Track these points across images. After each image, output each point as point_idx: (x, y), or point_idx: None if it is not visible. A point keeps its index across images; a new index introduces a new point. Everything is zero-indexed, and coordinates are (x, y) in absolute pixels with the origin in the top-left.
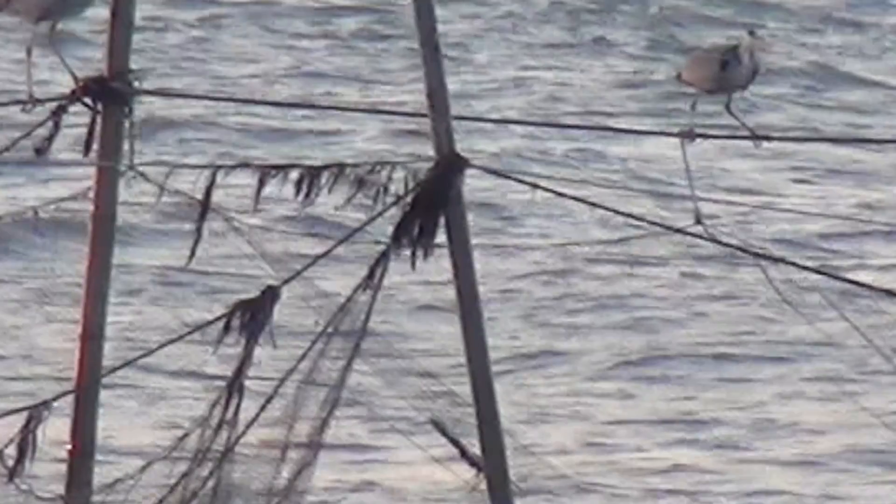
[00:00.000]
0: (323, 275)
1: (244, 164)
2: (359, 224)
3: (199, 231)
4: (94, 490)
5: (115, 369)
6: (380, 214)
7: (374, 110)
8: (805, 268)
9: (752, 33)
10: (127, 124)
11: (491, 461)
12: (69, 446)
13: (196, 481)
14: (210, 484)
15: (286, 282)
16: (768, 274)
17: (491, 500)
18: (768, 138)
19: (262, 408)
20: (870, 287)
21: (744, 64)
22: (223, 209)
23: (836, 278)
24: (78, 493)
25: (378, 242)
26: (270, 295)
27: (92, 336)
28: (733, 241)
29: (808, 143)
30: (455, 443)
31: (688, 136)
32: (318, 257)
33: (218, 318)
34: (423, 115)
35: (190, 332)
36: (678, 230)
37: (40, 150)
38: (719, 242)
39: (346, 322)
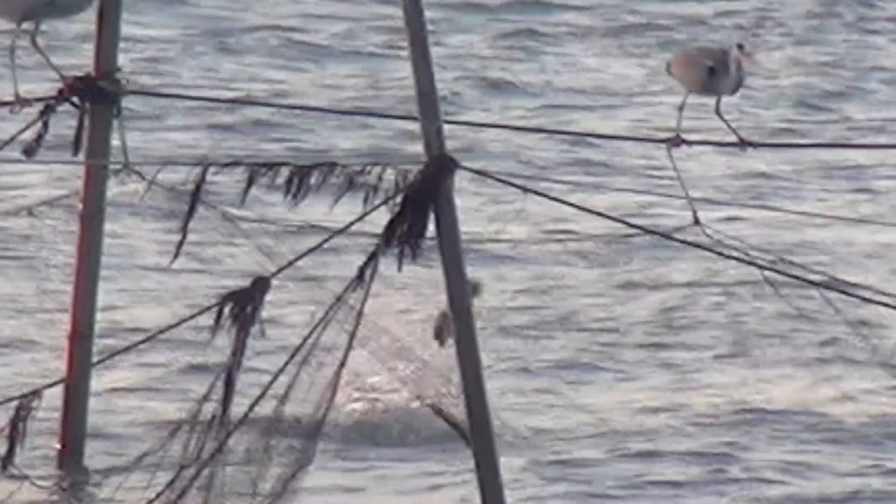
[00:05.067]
0: None
1: (234, 163)
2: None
3: (185, 229)
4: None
5: (102, 360)
6: (368, 213)
7: (364, 113)
8: (805, 280)
9: (740, 47)
10: (116, 123)
11: (480, 446)
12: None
13: (188, 474)
14: (203, 479)
15: (277, 272)
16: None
17: (479, 479)
18: (755, 144)
19: (256, 401)
20: (866, 300)
21: (730, 75)
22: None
23: (833, 287)
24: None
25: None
26: (261, 286)
27: (81, 335)
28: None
29: (795, 149)
30: (454, 426)
31: (673, 142)
32: (309, 250)
33: (207, 309)
34: (414, 118)
35: (178, 324)
36: (672, 236)
37: (29, 151)
38: (711, 250)
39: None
